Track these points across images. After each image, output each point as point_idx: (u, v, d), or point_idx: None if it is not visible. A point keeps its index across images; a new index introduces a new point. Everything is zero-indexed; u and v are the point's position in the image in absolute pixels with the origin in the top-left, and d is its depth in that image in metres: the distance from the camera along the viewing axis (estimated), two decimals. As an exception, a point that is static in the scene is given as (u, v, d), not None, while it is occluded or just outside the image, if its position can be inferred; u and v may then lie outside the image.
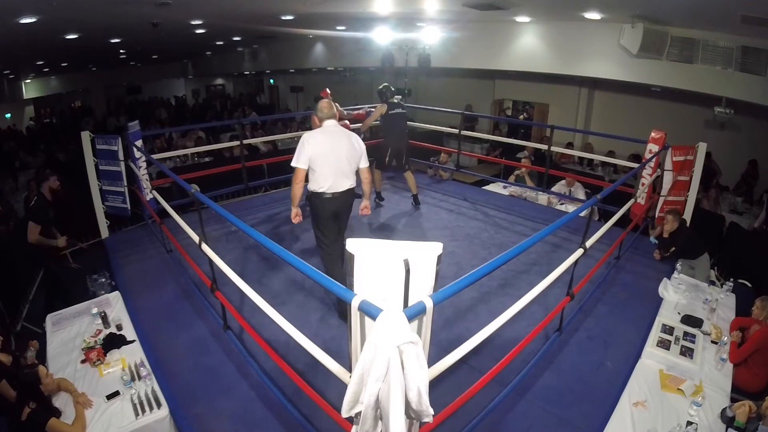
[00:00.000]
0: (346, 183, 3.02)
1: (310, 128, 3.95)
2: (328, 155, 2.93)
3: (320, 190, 2.98)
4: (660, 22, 5.85)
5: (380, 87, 5.08)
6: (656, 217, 4.55)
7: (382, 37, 8.08)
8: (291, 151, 3.07)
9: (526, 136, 9.83)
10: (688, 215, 4.41)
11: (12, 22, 5.40)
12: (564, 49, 7.22)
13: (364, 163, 3.13)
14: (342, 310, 3.10)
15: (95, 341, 2.84)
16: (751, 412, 2.23)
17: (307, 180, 3.04)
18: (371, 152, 4.55)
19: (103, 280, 3.66)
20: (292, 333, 1.98)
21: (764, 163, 7.15)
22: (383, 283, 1.41)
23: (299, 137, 3.07)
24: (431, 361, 1.64)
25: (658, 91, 7.54)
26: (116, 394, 2.45)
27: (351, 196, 3.12)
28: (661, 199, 4.48)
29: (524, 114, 10.64)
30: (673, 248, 4.00)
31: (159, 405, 2.39)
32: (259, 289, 2.29)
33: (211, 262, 2.70)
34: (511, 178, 6.21)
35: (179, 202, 4.63)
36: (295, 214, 3.11)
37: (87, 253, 4.80)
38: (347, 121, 5.19)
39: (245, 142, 5.59)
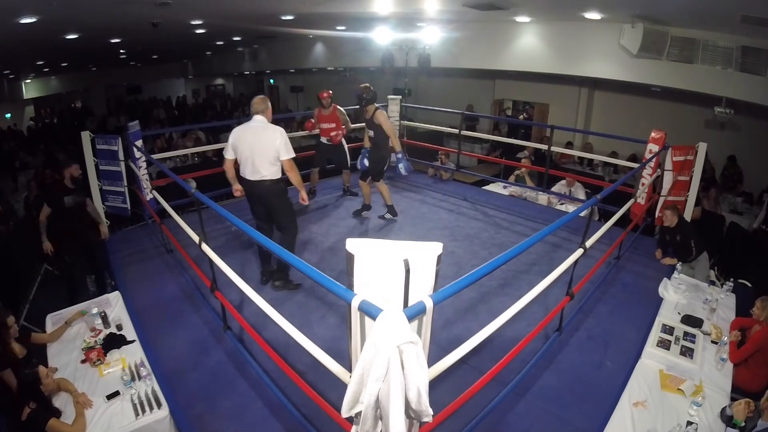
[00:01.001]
0: (257, 175, 3.29)
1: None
2: (244, 147, 3.26)
3: (241, 175, 3.38)
4: (660, 22, 5.85)
5: (367, 88, 4.41)
6: (657, 217, 4.55)
7: (382, 37, 8.08)
8: (291, 151, 3.12)
9: (526, 136, 9.83)
10: (688, 215, 4.41)
11: (12, 22, 5.40)
12: (564, 49, 7.22)
13: (284, 156, 3.27)
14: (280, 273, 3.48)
15: (95, 341, 2.84)
16: (750, 411, 2.23)
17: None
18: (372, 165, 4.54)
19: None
20: (292, 333, 1.98)
21: (765, 162, 7.16)
22: (383, 283, 1.41)
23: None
24: (431, 361, 1.64)
25: (658, 91, 7.54)
26: (116, 394, 2.45)
27: (270, 187, 3.33)
28: (661, 199, 4.49)
29: (524, 114, 10.64)
30: (679, 237, 3.96)
31: (159, 405, 2.38)
32: (259, 289, 2.29)
33: (211, 262, 2.70)
34: (511, 178, 6.21)
35: (179, 202, 4.63)
36: (235, 190, 3.49)
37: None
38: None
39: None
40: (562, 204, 5.61)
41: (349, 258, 1.42)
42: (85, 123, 12.76)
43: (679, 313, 3.22)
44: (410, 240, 1.43)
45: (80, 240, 3.89)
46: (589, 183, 5.78)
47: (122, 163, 4.45)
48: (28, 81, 14.69)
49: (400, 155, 4.46)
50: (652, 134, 4.47)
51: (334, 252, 4.14)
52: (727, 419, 2.29)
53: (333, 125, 5.11)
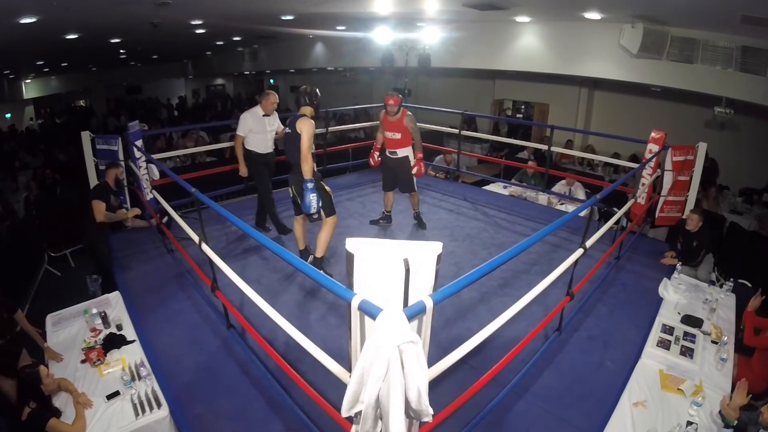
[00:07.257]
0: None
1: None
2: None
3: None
4: (660, 22, 5.84)
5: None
6: (657, 217, 4.55)
7: (382, 37, 8.08)
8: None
9: (525, 136, 9.83)
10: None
11: (12, 22, 5.40)
12: (564, 49, 7.22)
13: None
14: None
15: (95, 341, 2.84)
16: (738, 405, 2.20)
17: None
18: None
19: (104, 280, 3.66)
20: (292, 333, 1.98)
21: (765, 162, 7.15)
22: (383, 283, 1.41)
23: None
24: (431, 361, 1.64)
25: (658, 91, 7.53)
26: (116, 394, 2.45)
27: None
28: (661, 199, 4.49)
29: (521, 114, 10.63)
30: (695, 243, 3.86)
31: (159, 405, 2.38)
32: (259, 289, 2.29)
33: (211, 262, 2.70)
34: (515, 179, 6.19)
35: (180, 202, 4.63)
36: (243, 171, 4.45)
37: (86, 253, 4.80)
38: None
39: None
40: (562, 204, 5.61)
41: (349, 258, 1.42)
42: (89, 122, 12.76)
43: (679, 313, 3.22)
44: (410, 240, 1.43)
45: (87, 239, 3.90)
46: (589, 183, 5.78)
47: (122, 163, 4.44)
48: (28, 81, 14.69)
49: (306, 184, 3.29)
50: (652, 134, 4.47)
51: (334, 252, 4.14)
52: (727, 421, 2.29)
53: (399, 136, 4.25)
